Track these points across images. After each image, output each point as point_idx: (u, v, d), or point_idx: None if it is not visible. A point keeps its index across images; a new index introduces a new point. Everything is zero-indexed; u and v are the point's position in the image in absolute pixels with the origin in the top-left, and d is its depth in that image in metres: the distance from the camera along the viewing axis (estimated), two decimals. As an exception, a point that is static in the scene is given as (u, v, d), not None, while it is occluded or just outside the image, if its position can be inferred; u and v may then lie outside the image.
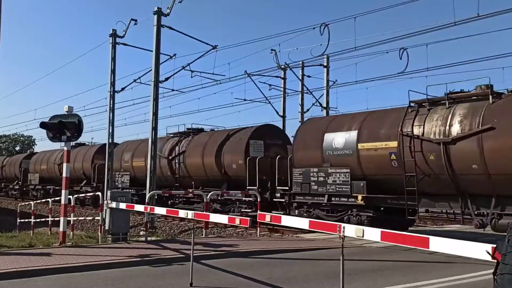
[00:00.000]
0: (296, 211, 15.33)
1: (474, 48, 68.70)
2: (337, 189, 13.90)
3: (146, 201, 13.83)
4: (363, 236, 4.36)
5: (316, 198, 14.67)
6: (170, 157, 22.26)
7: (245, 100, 25.71)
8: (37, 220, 17.33)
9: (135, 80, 22.99)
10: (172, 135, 23.76)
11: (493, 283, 2.76)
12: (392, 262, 9.07)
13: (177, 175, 21.69)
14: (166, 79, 20.62)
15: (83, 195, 22.02)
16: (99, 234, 11.95)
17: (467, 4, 15.02)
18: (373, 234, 4.31)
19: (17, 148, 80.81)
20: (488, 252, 3.10)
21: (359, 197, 13.37)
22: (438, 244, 3.73)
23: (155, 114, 17.94)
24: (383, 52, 20.09)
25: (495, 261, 2.87)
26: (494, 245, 3.00)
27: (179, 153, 21.66)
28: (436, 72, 24.70)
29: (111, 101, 21.71)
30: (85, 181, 29.01)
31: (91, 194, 21.72)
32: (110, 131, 21.65)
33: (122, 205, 10.50)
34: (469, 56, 57.36)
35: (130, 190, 23.02)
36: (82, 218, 20.41)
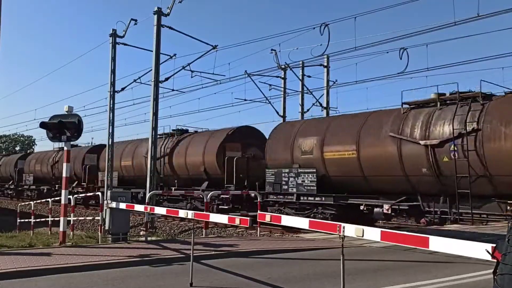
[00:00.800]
0: None
1: (474, 48, 68.72)
2: None
3: (146, 201, 13.77)
4: (363, 236, 4.35)
5: None
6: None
7: (245, 100, 25.67)
8: (37, 220, 17.34)
9: (135, 80, 23.05)
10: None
11: (493, 283, 2.76)
12: (392, 262, 9.05)
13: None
14: (166, 79, 20.68)
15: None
16: (99, 234, 11.96)
17: (467, 4, 15.02)
18: (373, 234, 4.30)
19: (17, 148, 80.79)
20: (488, 252, 3.10)
21: None
22: (438, 244, 3.71)
23: (155, 114, 17.98)
24: (383, 52, 20.11)
25: (495, 260, 2.87)
26: (494, 245, 3.00)
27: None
28: (436, 72, 24.79)
29: (111, 101, 21.76)
30: (207, 182, 20.95)
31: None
32: (110, 131, 21.70)
33: (122, 205, 10.50)
34: (469, 56, 57.37)
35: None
36: (82, 218, 20.42)
